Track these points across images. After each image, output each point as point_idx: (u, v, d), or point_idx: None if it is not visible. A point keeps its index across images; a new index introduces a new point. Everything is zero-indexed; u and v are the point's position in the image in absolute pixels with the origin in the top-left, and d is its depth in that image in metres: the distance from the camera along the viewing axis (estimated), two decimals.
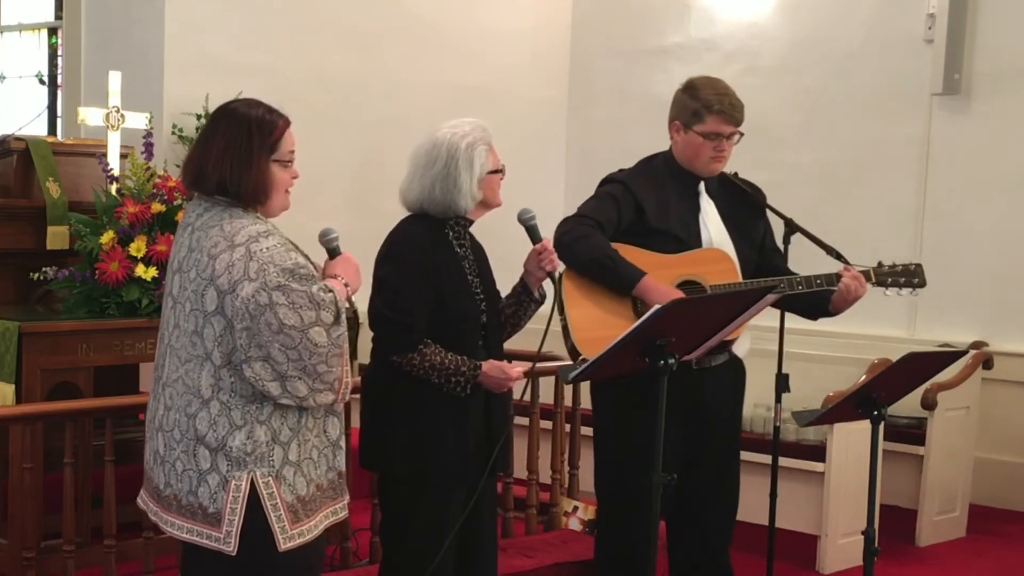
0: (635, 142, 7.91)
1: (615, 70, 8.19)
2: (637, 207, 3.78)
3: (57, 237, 4.67)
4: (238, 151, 2.85)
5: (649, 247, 3.75)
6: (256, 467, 2.80)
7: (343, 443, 3.03)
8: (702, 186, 3.88)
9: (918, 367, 3.65)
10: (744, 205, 3.96)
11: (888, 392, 3.58)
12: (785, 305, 3.95)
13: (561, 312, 3.68)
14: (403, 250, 3.37)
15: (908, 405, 5.16)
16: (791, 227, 4.07)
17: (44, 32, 8.25)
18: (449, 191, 3.35)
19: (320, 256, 3.08)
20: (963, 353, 4.68)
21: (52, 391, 4.23)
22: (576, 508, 5.00)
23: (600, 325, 3.66)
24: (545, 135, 8.35)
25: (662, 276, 3.71)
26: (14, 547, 4.02)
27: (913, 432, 5.70)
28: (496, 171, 3.41)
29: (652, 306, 3.63)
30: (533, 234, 3.45)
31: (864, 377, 5.25)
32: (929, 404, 5.61)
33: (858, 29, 7.12)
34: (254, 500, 2.80)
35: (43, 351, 4.21)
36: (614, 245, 3.72)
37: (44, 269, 4.52)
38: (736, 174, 4.04)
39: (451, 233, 3.42)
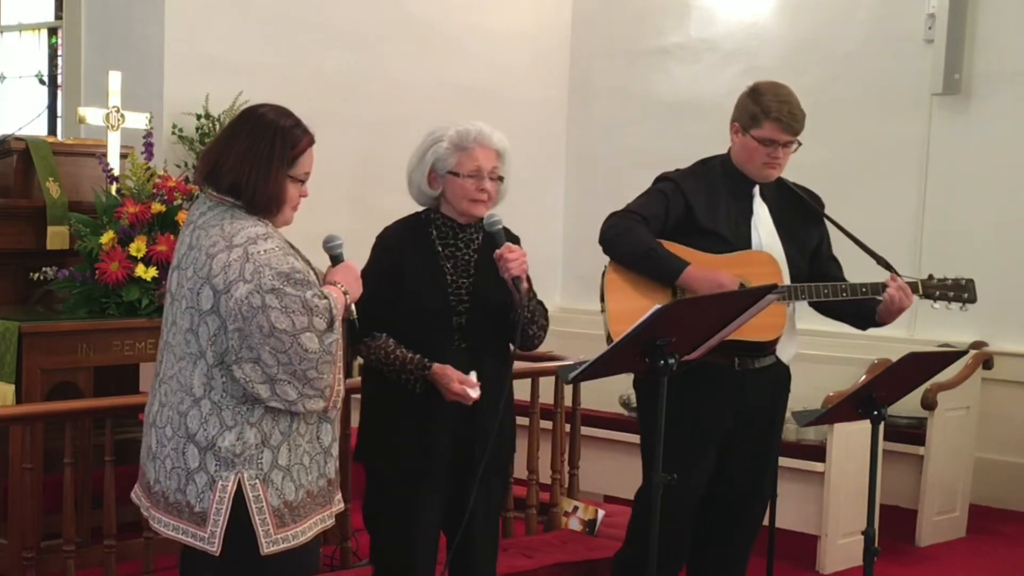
0: (635, 142, 8.02)
1: (615, 70, 8.19)
2: (687, 206, 3.75)
3: (57, 237, 4.67)
4: (258, 158, 2.85)
5: (695, 246, 3.72)
6: (244, 468, 2.80)
7: (335, 450, 3.01)
8: (756, 189, 3.83)
9: (918, 367, 3.65)
10: (800, 211, 3.92)
11: (888, 392, 3.58)
12: (834, 313, 3.93)
13: (602, 303, 3.70)
14: (374, 244, 3.42)
15: (908, 405, 5.15)
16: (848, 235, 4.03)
17: (44, 32, 8.25)
18: (408, 180, 3.43)
19: (322, 260, 3.08)
20: (963, 353, 4.68)
21: (52, 391, 4.23)
22: (576, 508, 5.00)
23: (639, 316, 3.66)
24: (545, 135, 8.34)
25: None
26: (14, 547, 4.02)
27: (913, 432, 5.70)
28: (454, 173, 3.33)
29: (700, 292, 3.61)
30: (496, 239, 3.35)
31: (864, 377, 5.25)
32: (929, 404, 5.61)
33: (858, 29, 7.12)
34: (240, 501, 2.80)
35: (43, 351, 4.20)
36: (659, 241, 3.71)
37: (44, 269, 4.51)
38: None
39: (435, 232, 3.40)
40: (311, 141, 2.93)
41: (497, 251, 3.32)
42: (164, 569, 4.01)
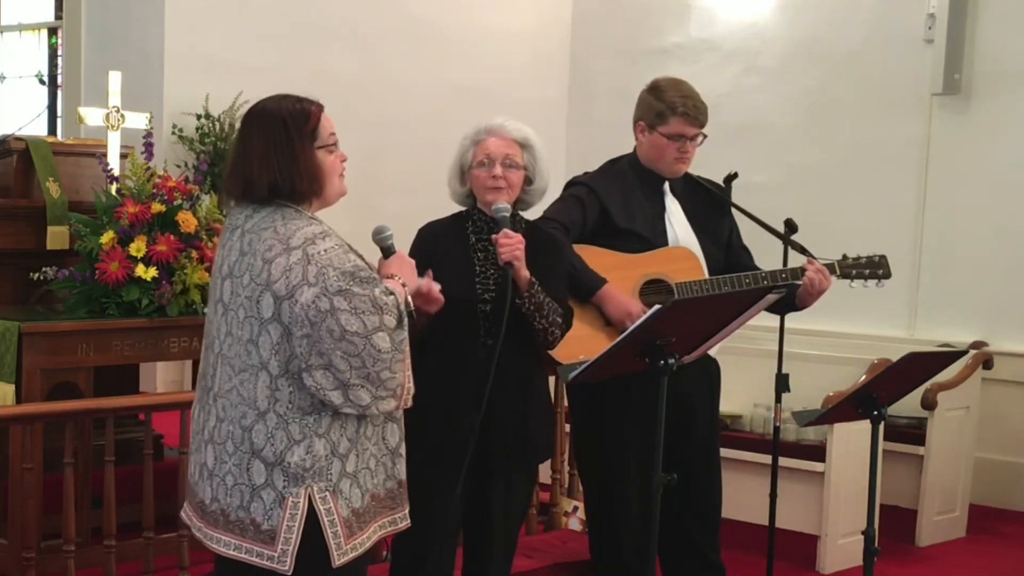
0: (635, 142, 7.99)
1: (615, 70, 8.19)
2: (602, 208, 3.82)
3: (57, 237, 4.67)
4: (279, 148, 2.73)
5: (615, 247, 3.78)
6: (313, 482, 2.66)
7: (403, 450, 2.88)
8: (667, 186, 3.92)
9: (918, 367, 3.65)
10: (709, 204, 4.00)
11: (888, 392, 3.58)
12: None
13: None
14: (415, 235, 3.50)
15: (908, 405, 5.15)
16: (786, 235, 4.08)
17: (44, 32, 8.26)
18: (448, 184, 3.52)
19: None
20: (963, 353, 4.68)
21: (52, 391, 4.23)
22: (576, 508, 5.00)
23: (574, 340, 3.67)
24: (545, 135, 8.27)
25: (627, 275, 3.74)
26: (14, 547, 4.02)
27: (913, 432, 5.70)
28: (472, 165, 3.44)
29: (609, 315, 3.69)
30: (498, 225, 3.36)
31: (864, 377, 5.24)
32: (929, 404, 5.61)
33: (858, 29, 7.12)
34: (310, 516, 2.67)
35: (43, 351, 4.20)
36: (579, 247, 3.73)
37: (44, 269, 4.51)
38: (736, 174, 4.05)
39: (471, 226, 3.47)
40: (320, 108, 2.83)
41: (494, 235, 3.33)
42: (164, 569, 4.01)
